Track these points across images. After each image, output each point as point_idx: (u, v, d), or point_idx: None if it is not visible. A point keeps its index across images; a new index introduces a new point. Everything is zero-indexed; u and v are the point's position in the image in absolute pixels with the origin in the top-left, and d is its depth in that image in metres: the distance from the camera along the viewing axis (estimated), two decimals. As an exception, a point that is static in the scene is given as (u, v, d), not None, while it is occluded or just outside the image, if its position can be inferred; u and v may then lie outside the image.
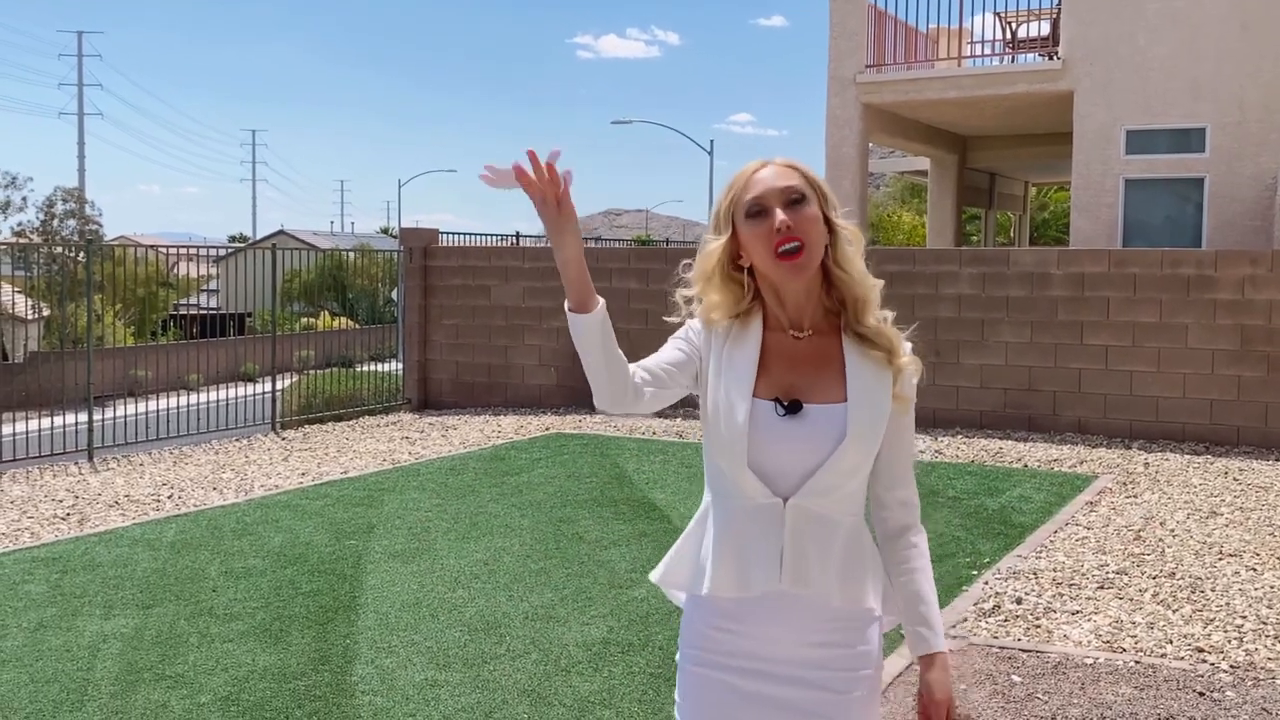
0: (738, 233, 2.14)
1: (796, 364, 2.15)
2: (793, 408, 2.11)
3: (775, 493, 2.11)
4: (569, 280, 2.04)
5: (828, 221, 2.14)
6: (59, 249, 30.79)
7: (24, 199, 36.59)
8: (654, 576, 2.29)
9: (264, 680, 4.99)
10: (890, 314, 2.20)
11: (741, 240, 2.14)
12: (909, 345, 2.20)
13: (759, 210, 2.11)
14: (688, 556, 2.22)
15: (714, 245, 2.16)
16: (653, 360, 2.17)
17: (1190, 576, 6.64)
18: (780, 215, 2.08)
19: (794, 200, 2.11)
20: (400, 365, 15.32)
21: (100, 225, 38.09)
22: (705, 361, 2.17)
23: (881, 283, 2.19)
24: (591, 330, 2.04)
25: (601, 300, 2.05)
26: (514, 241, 18.75)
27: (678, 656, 2.25)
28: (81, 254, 19.72)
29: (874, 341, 2.15)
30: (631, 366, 2.12)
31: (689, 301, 2.23)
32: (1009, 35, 16.62)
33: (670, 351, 2.19)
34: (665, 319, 2.32)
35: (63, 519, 8.39)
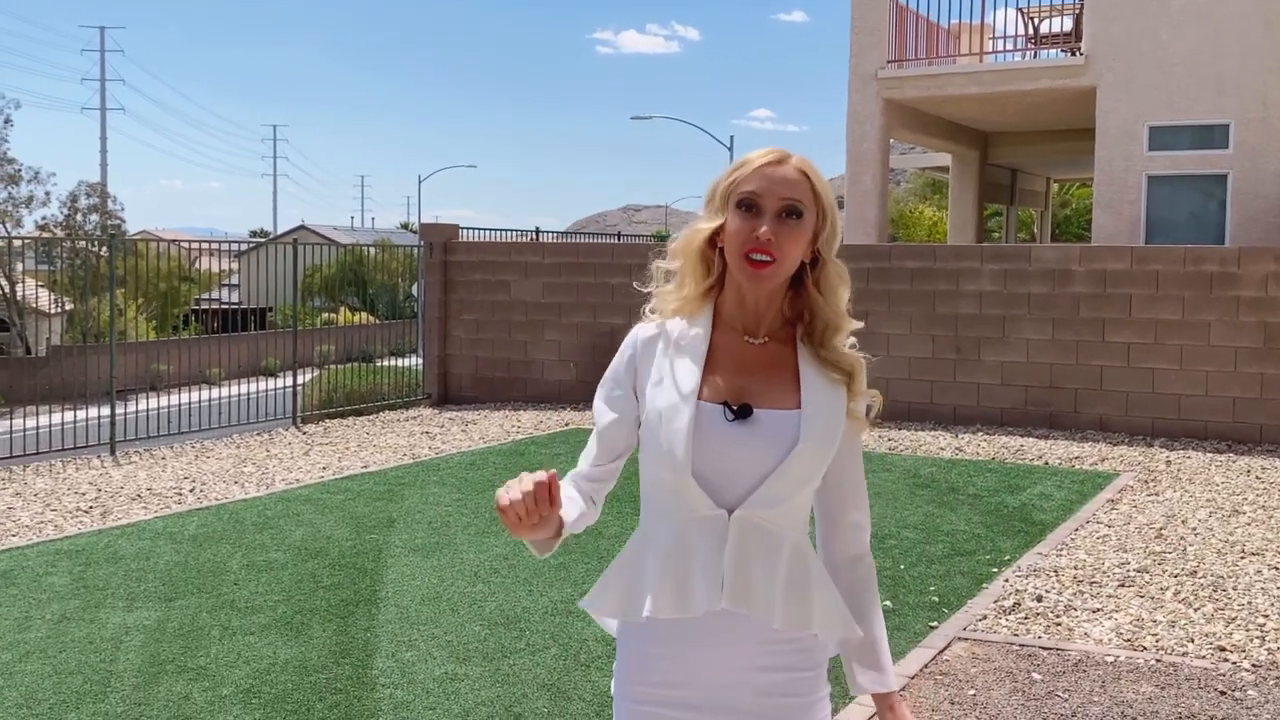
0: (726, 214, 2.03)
1: (747, 369, 2.02)
2: (742, 412, 1.97)
3: (719, 504, 1.97)
4: (537, 542, 2.00)
5: (817, 249, 2.03)
6: (82, 243, 31.01)
7: (47, 194, 36.91)
8: (584, 603, 2.12)
9: (285, 673, 5.02)
10: (854, 340, 2.09)
11: (725, 222, 2.02)
12: (865, 361, 2.09)
13: (750, 205, 1.99)
14: (621, 580, 2.06)
15: (706, 225, 2.04)
16: (589, 464, 2.12)
17: (1212, 575, 6.61)
18: (765, 226, 1.96)
19: (788, 212, 1.98)
20: (420, 360, 15.37)
21: (123, 220, 38.38)
22: (643, 378, 2.05)
23: (859, 324, 2.08)
24: (553, 546, 2.02)
25: (562, 520, 1.99)
26: (534, 237, 18.77)
27: (613, 690, 2.10)
28: (104, 248, 19.83)
29: (835, 364, 2.04)
30: (576, 494, 2.09)
31: (667, 277, 2.10)
32: (1031, 31, 16.55)
33: (605, 421, 2.10)
34: (637, 286, 2.20)
35: (85, 512, 8.45)
